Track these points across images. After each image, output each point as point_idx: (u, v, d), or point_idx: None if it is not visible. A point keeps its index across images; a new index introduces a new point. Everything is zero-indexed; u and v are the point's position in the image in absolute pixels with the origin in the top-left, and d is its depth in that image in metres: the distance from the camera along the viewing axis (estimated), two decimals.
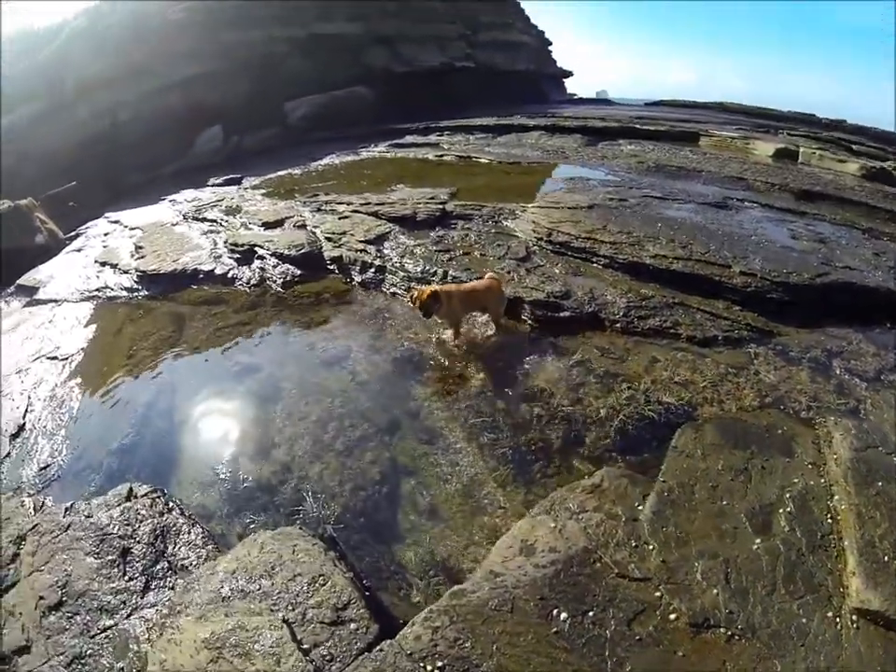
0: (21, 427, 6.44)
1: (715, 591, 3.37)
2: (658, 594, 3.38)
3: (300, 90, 24.39)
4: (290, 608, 3.70)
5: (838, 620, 3.23)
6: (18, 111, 19.76)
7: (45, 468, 5.80)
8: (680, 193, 11.10)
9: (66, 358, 7.81)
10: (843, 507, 3.90)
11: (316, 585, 3.82)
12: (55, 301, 9.79)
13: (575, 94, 46.76)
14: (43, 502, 5.24)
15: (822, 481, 4.18)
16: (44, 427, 6.43)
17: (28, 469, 5.84)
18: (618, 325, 6.65)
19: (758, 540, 3.70)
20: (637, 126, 19.69)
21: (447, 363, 6.44)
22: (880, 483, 4.06)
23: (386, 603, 4.00)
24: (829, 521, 3.84)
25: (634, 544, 3.71)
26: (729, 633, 3.15)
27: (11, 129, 19.21)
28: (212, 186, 16.27)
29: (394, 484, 5.02)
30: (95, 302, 9.44)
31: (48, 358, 7.89)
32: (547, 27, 41.92)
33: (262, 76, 23.75)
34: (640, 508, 4.01)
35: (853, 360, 5.84)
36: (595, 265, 7.93)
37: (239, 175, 16.75)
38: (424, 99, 26.87)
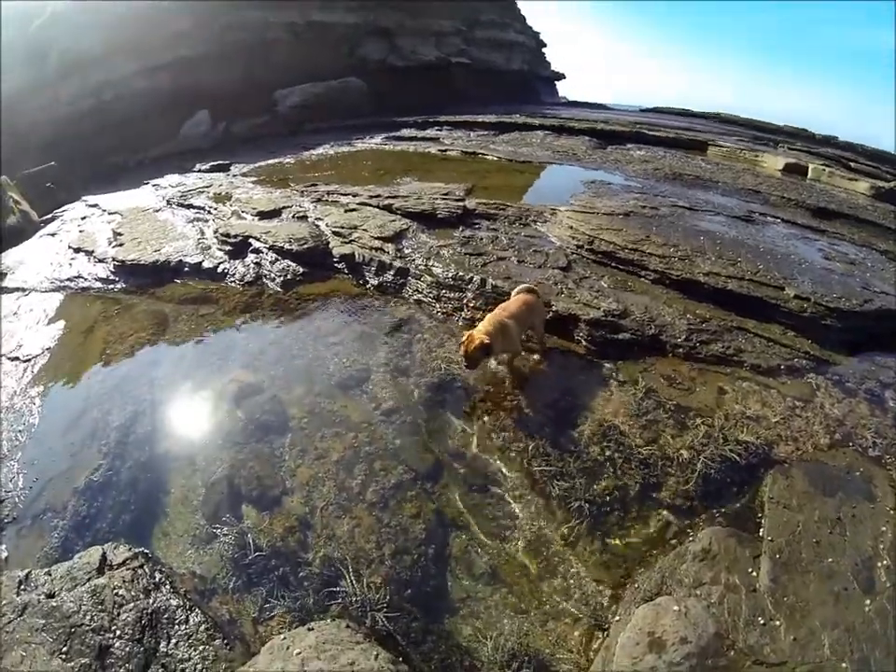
0: None
1: (844, 665, 3.18)
2: None
3: (292, 78, 23.30)
4: None
5: None
6: None
7: None
8: (706, 204, 10.48)
9: (29, 360, 6.76)
10: None
11: None
12: (22, 289, 8.72)
13: (565, 97, 46.36)
14: None
15: None
16: None
17: None
18: (680, 350, 5.90)
19: (867, 602, 3.53)
20: (646, 131, 19.11)
21: (494, 392, 5.48)
22: None
23: None
24: None
25: (762, 622, 3.41)
26: None
27: None
28: (198, 171, 15.18)
29: (443, 543, 4.15)
30: (66, 293, 8.41)
31: (8, 359, 6.83)
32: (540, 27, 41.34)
33: (254, 62, 22.63)
34: (755, 574, 3.71)
35: None
36: (644, 280, 7.13)
37: (227, 162, 15.67)
38: (418, 93, 26.11)
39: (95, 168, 18.45)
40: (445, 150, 15.12)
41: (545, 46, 42.27)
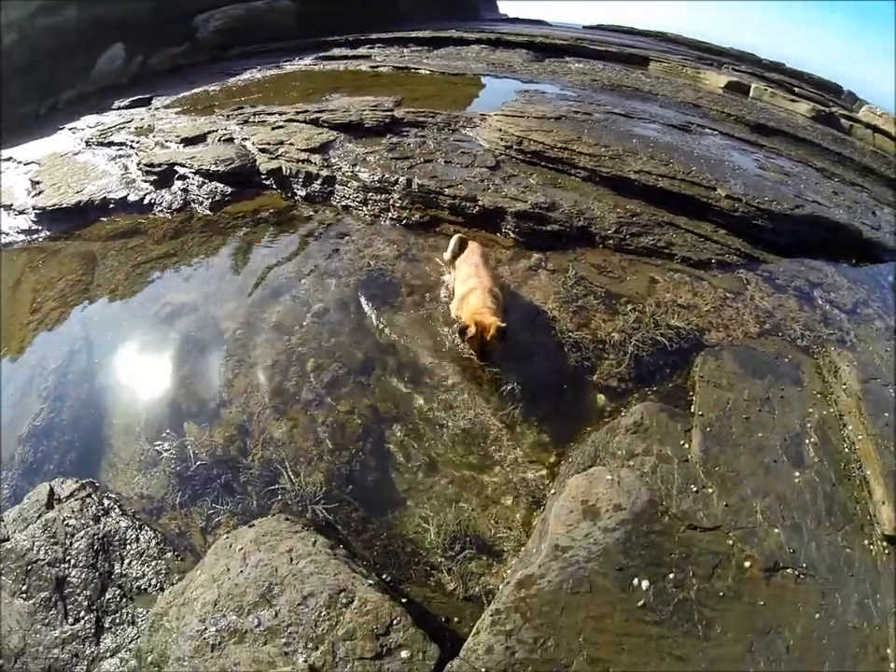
0: None
1: (776, 530, 3.29)
2: (730, 542, 3.22)
3: (212, 2, 21.62)
4: (311, 646, 2.76)
5: (872, 547, 3.31)
6: None
7: None
8: (643, 113, 10.43)
9: None
10: (859, 437, 3.97)
11: (339, 606, 2.88)
12: None
13: (506, 14, 44.66)
14: None
15: (832, 410, 4.24)
16: None
17: None
18: (610, 241, 6.03)
19: (797, 473, 3.69)
20: (587, 45, 18.66)
21: (422, 284, 5.50)
22: (887, 415, 4.13)
23: (419, 599, 3.24)
24: (847, 450, 3.92)
25: (695, 489, 3.50)
26: (796, 573, 3.11)
27: None
28: (117, 109, 14.22)
29: (379, 437, 4.19)
30: None
31: None
32: None
33: None
34: (686, 446, 3.81)
35: (832, 292, 5.85)
36: (574, 177, 7.18)
37: (148, 96, 14.68)
38: (349, 12, 24.51)
39: (6, 120, 17.23)
40: (377, 67, 14.52)
41: None
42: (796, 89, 19.59)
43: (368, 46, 18.47)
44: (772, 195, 7.01)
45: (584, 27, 35.68)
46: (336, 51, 17.71)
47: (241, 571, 3.09)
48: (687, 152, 8.13)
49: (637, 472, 3.57)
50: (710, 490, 3.50)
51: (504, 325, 4.15)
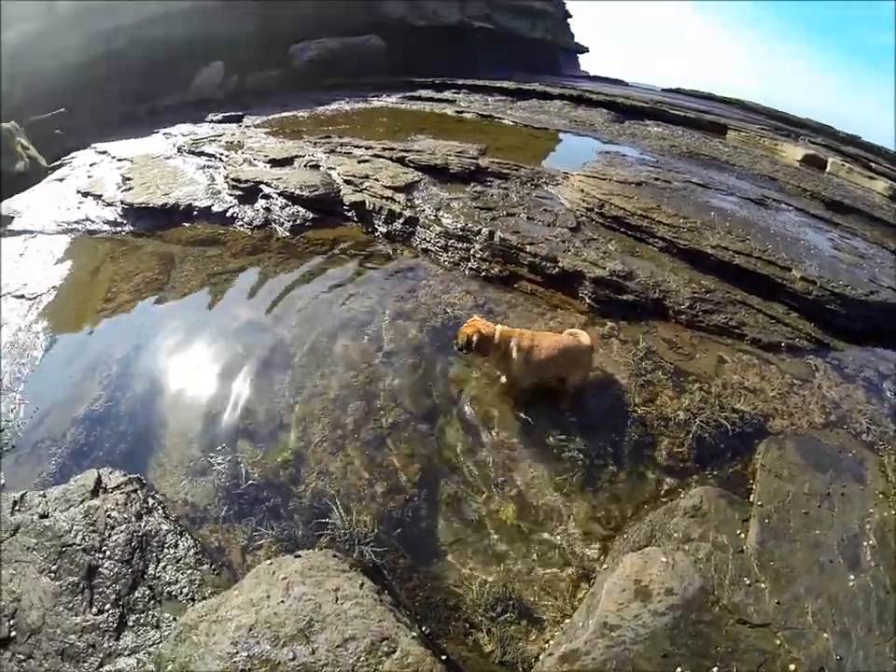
0: None
1: (825, 635, 3.16)
2: (778, 641, 3.08)
3: (308, 31, 22.70)
4: None
5: None
6: (7, 32, 17.87)
7: None
8: (720, 184, 10.33)
9: (34, 298, 6.76)
10: None
11: (379, 654, 2.81)
12: (29, 232, 8.70)
13: (587, 71, 45.44)
14: None
15: (893, 513, 4.03)
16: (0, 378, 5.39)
17: None
18: (683, 317, 5.92)
19: (851, 576, 3.55)
20: (666, 110, 18.78)
21: None
22: None
23: (455, 657, 3.14)
24: None
25: (747, 582, 3.40)
26: None
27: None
28: (210, 122, 14.95)
29: (434, 486, 4.14)
30: (73, 236, 8.37)
31: (13, 297, 6.83)
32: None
33: (271, 14, 22.01)
34: (742, 536, 3.72)
35: None
36: (651, 247, 7.11)
37: (240, 113, 15.45)
38: (437, 56, 25.49)
39: (105, 116, 18.14)
40: (461, 112, 14.90)
41: (570, 17, 41.30)
42: (872, 164, 19.22)
43: (453, 90, 19.04)
44: (847, 279, 6.82)
45: (663, 90, 36.06)
46: (422, 92, 18.30)
47: (282, 601, 3.03)
48: (763, 228, 8.01)
49: (692, 558, 3.49)
50: (763, 585, 3.40)
51: (473, 341, 4.39)
